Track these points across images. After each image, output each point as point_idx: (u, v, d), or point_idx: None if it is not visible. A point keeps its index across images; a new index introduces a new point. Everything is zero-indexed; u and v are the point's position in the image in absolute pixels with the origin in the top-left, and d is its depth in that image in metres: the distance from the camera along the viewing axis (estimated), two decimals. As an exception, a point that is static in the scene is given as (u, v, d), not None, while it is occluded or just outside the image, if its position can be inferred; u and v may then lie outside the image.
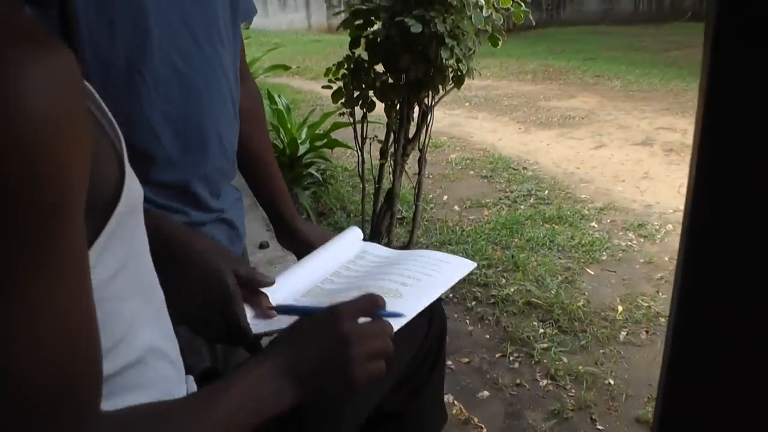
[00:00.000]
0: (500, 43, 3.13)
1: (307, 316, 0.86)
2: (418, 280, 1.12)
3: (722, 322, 0.48)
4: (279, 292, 1.09)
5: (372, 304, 0.85)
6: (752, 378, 0.48)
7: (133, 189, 0.68)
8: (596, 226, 3.97)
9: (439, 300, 1.15)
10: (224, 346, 1.22)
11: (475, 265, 1.23)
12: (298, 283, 1.17)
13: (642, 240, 3.75)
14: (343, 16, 3.17)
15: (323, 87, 3.31)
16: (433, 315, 1.21)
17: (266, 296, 1.03)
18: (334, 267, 1.25)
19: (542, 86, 8.66)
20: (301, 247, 1.40)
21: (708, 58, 0.44)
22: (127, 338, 0.71)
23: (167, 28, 1.09)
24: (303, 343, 0.79)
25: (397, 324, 0.90)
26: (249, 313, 1.00)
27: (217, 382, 0.74)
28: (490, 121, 6.81)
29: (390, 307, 0.95)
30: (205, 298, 0.95)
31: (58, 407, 0.56)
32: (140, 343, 0.73)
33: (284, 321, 0.97)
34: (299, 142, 4.12)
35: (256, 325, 1.00)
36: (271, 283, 1.02)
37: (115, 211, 0.64)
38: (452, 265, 1.21)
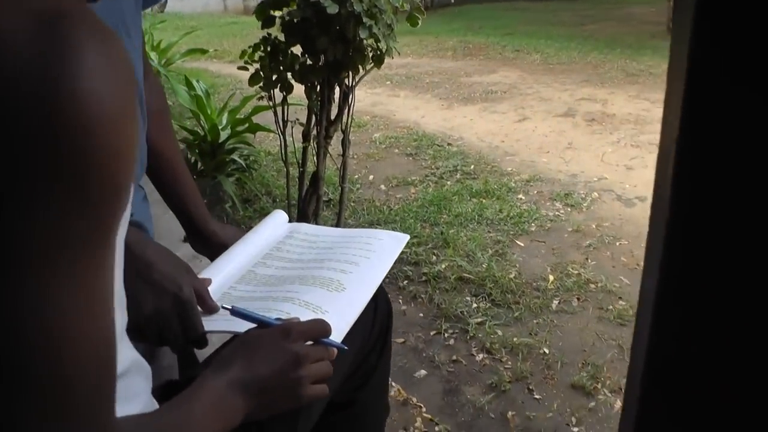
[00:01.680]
0: (419, 22, 3.09)
1: (258, 329, 0.88)
2: (356, 265, 1.10)
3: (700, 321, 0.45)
4: (212, 284, 1.07)
5: (321, 330, 0.88)
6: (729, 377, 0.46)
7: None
8: (524, 198, 3.99)
9: (381, 286, 1.12)
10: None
11: (408, 237, 1.23)
12: (229, 270, 1.13)
13: (569, 209, 3.78)
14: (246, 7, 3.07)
15: (239, 68, 3.21)
16: (378, 301, 1.17)
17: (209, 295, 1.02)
18: (264, 249, 1.21)
19: (463, 62, 8.68)
20: (215, 249, 1.30)
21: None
22: (117, 349, 0.67)
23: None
24: (257, 358, 0.81)
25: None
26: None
27: (180, 397, 0.74)
28: (412, 99, 6.78)
29: (336, 303, 0.99)
30: (162, 306, 0.92)
31: (93, 397, 0.55)
32: (126, 355, 0.74)
33: (232, 322, 0.95)
34: (220, 128, 3.99)
35: (205, 322, 0.98)
36: (217, 310, 1.01)
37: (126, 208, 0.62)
38: (385, 241, 1.19)
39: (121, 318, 0.71)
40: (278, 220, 1.30)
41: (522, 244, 3.35)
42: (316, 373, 0.83)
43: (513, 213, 3.69)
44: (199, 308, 0.97)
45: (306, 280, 1.06)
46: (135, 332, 0.90)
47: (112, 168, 0.50)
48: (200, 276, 1.04)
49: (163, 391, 0.93)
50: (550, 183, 4.22)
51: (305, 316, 0.94)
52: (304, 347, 0.83)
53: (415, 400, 2.24)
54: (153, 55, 6.28)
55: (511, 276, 2.99)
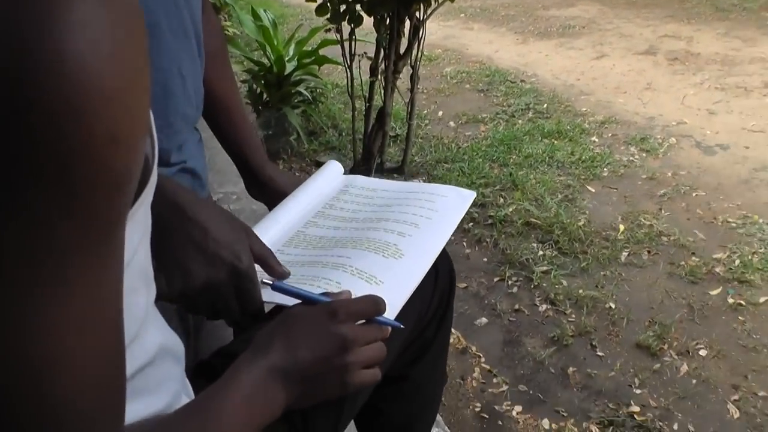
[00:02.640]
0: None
1: (303, 307, 0.78)
2: (416, 227, 1.01)
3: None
4: None
5: (373, 309, 0.77)
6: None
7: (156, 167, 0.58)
8: (597, 140, 3.84)
9: (444, 248, 1.02)
10: (195, 316, 1.10)
11: (474, 195, 1.11)
12: (278, 230, 1.06)
13: (644, 155, 3.62)
14: None
15: (307, 0, 3.12)
16: (439, 266, 1.05)
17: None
18: (317, 207, 1.14)
19: (541, -6, 8.35)
20: (273, 197, 1.23)
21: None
22: (140, 337, 0.61)
23: None
24: (299, 343, 0.72)
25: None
26: None
27: (213, 389, 0.66)
28: (486, 33, 6.56)
29: (392, 272, 0.90)
30: (217, 278, 0.83)
31: (99, 411, 0.47)
32: (152, 342, 0.65)
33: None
34: (287, 59, 3.92)
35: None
36: (286, 275, 0.90)
37: (143, 193, 0.53)
38: (449, 199, 1.09)
39: (146, 297, 0.63)
40: (333, 172, 1.23)
41: (593, 190, 3.23)
42: (367, 357, 0.74)
43: (585, 156, 3.55)
44: (265, 274, 0.89)
45: (360, 243, 0.98)
46: (185, 303, 0.85)
47: (106, 156, 0.39)
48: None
49: (196, 369, 0.87)
50: (626, 126, 4.04)
51: (357, 285, 0.86)
52: (352, 329, 0.74)
53: (474, 349, 2.20)
54: (223, -18, 6.22)
55: (580, 223, 2.88)
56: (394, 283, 0.89)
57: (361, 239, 0.99)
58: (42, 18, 0.36)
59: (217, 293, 0.83)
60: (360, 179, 1.22)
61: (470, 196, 1.11)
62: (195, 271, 0.81)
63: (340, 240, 1.01)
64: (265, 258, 0.89)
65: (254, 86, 3.94)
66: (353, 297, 0.80)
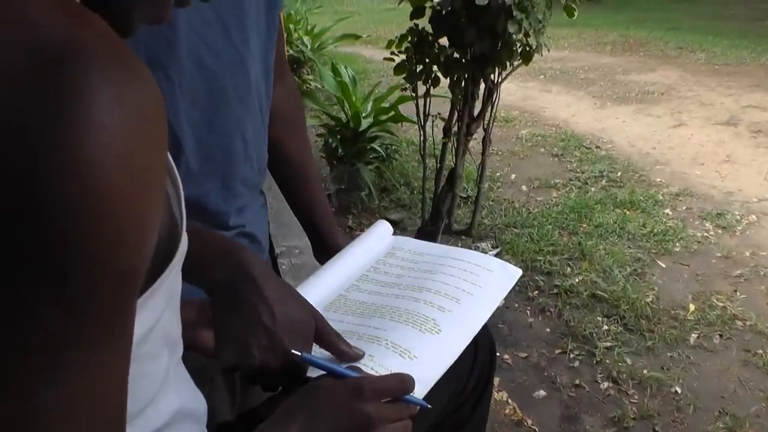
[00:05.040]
0: (576, 13, 2.96)
1: (330, 380, 0.78)
2: (457, 303, 1.00)
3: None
4: None
5: (401, 387, 0.77)
6: None
7: (185, 238, 0.59)
8: (670, 213, 3.76)
9: (486, 324, 1.01)
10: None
11: (521, 273, 1.10)
12: (322, 291, 1.06)
13: (720, 231, 3.52)
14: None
15: (385, 59, 3.20)
16: (479, 344, 1.04)
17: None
18: (362, 269, 1.14)
19: (621, 58, 8.30)
20: None
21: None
22: (155, 401, 0.62)
23: (196, 16, 0.95)
24: (321, 417, 0.71)
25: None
26: None
27: None
28: (564, 95, 6.56)
29: (428, 347, 0.89)
30: (274, 362, 0.83)
31: None
32: (168, 406, 0.64)
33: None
34: (363, 115, 4.01)
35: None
36: (360, 357, 0.88)
37: (168, 266, 0.54)
38: (495, 274, 1.08)
39: (168, 359, 0.62)
40: (382, 233, 1.23)
41: (663, 265, 3.16)
42: None
43: (657, 229, 3.48)
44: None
45: (399, 314, 0.97)
46: (228, 369, 0.85)
47: (113, 259, 0.39)
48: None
49: (218, 430, 0.86)
50: (702, 199, 3.95)
51: (391, 360, 0.87)
52: (377, 407, 0.72)
53: (530, 422, 2.16)
54: (306, 39, 6.41)
55: (648, 300, 2.82)
56: (428, 359, 0.89)
57: (400, 310, 0.98)
58: (57, 118, 0.36)
59: (267, 372, 0.84)
60: (408, 242, 1.22)
61: (516, 273, 1.10)
62: (254, 354, 0.82)
63: (380, 308, 1.01)
64: (334, 344, 0.87)
65: (330, 141, 4.03)
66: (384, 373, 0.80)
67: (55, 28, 0.38)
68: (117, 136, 0.38)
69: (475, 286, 1.05)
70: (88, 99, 0.37)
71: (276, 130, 1.21)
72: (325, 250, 1.31)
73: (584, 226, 3.56)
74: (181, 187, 0.59)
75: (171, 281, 0.58)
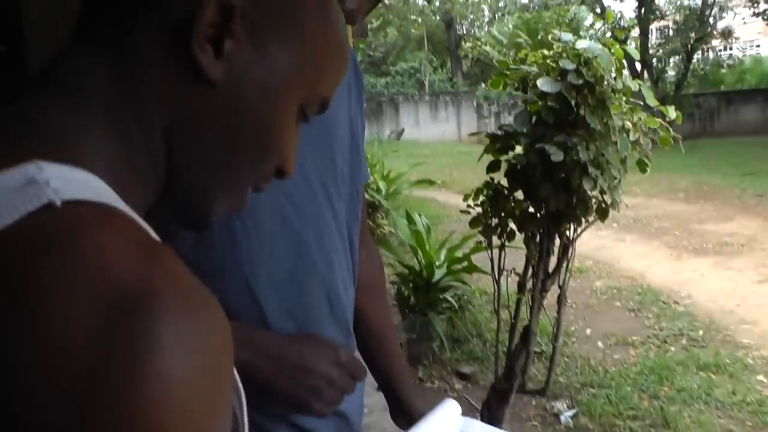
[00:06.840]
0: (648, 169, 2.94)
1: None
2: None
3: None
4: None
5: None
6: None
7: None
8: (765, 380, 3.54)
9: None
10: None
11: None
12: None
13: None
14: (479, 138, 3.09)
15: (462, 212, 3.21)
16: None
17: None
18: None
19: (695, 206, 8.19)
20: None
21: None
22: None
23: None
24: None
25: None
26: None
27: None
28: (638, 245, 6.46)
29: None
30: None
31: None
32: None
33: None
34: (437, 264, 4.00)
35: None
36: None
37: None
38: None
39: None
40: (450, 413, 1.18)
41: (760, 441, 2.95)
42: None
43: (750, 398, 3.27)
44: None
45: None
46: None
47: None
48: None
49: None
50: (797, 365, 3.73)
51: None
52: None
53: None
54: (381, 184, 6.55)
55: (744, 480, 2.62)
56: None
57: None
58: (125, 368, 0.37)
59: None
60: (477, 426, 1.17)
61: None
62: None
63: None
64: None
65: (402, 289, 4.01)
66: None
67: (128, 274, 0.39)
68: (181, 387, 0.39)
69: None
70: (156, 349, 0.38)
71: (359, 299, 1.18)
72: (404, 414, 1.28)
73: (666, 389, 3.39)
74: (243, 394, 0.57)
75: None
